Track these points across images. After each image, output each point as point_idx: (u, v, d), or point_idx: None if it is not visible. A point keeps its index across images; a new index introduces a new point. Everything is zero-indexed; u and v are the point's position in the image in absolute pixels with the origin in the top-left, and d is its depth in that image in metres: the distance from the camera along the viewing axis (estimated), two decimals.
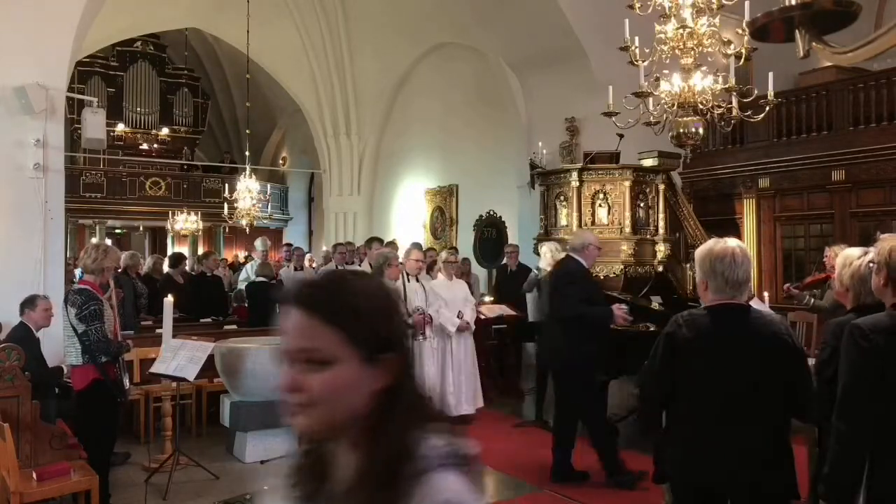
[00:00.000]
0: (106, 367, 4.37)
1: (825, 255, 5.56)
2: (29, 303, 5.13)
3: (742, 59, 5.00)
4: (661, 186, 8.16)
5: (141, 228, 21.14)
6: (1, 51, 5.98)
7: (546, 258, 7.46)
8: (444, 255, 7.33)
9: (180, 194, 19.07)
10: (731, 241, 2.61)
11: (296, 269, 9.44)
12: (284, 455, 5.00)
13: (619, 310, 5.11)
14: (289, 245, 11.30)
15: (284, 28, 14.12)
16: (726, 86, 5.10)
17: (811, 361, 2.93)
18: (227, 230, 19.66)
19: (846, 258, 2.84)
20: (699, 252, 2.65)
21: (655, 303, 7.07)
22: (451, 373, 6.65)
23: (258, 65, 14.71)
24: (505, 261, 9.30)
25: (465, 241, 12.82)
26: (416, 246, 6.76)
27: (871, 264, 2.49)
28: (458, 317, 6.71)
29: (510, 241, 11.12)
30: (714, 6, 4.96)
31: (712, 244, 2.61)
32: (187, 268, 10.39)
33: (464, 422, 6.69)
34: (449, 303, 6.78)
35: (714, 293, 2.57)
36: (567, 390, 5.23)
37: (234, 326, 8.12)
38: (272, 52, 14.53)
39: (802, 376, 2.55)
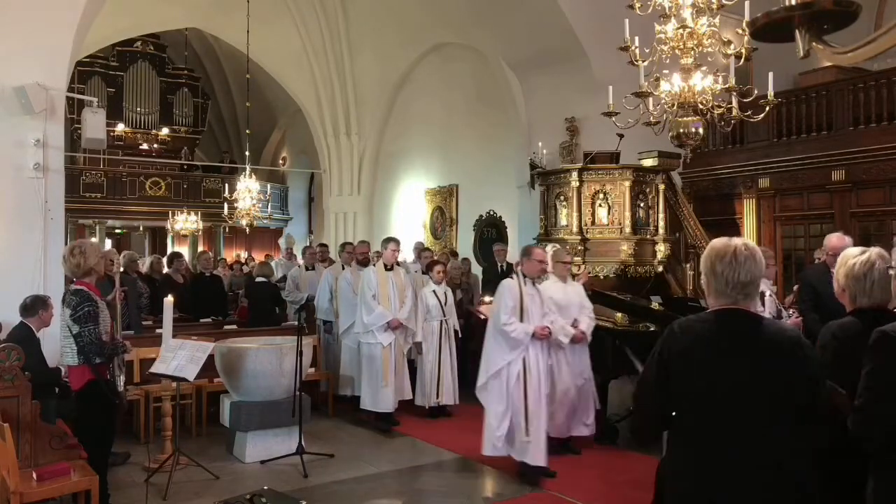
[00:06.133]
0: (99, 369, 4.30)
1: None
2: (42, 303, 5.08)
3: (742, 59, 4.99)
4: (661, 186, 8.15)
5: (141, 228, 21.14)
6: (1, 51, 5.97)
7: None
8: (550, 250, 6.19)
9: (180, 194, 19.06)
10: (737, 239, 2.31)
11: (307, 268, 9.18)
12: (284, 455, 4.97)
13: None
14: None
15: (284, 28, 14.13)
16: (726, 86, 5.09)
17: None
18: (227, 230, 19.66)
19: (844, 257, 2.83)
20: (705, 251, 2.43)
21: (655, 303, 7.07)
22: (558, 389, 5.73)
23: (258, 65, 14.72)
24: (496, 260, 9.34)
25: (465, 241, 12.83)
26: (545, 246, 6.08)
27: (890, 270, 2.43)
28: (572, 325, 5.78)
29: (508, 242, 11.15)
30: (714, 6, 4.96)
31: (716, 241, 2.33)
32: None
33: (570, 448, 5.93)
34: (563, 309, 5.79)
35: (716, 297, 2.26)
36: None
37: (234, 326, 8.12)
38: (272, 52, 14.54)
39: (816, 395, 2.20)
